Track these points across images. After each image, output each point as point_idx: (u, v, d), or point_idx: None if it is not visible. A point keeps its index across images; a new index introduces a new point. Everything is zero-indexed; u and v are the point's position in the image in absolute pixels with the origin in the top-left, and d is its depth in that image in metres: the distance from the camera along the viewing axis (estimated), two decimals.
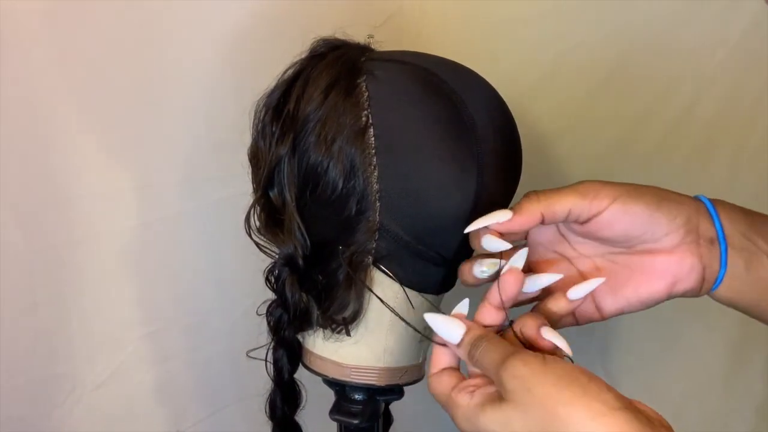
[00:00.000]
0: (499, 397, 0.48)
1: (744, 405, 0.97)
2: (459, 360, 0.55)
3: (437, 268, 0.61)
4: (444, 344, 0.55)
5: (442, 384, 0.53)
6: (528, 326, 0.53)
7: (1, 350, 0.78)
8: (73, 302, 0.81)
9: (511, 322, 0.54)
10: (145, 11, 0.76)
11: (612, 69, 0.87)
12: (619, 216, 0.55)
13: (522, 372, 0.46)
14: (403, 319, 0.60)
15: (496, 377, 0.48)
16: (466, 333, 0.53)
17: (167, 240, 0.84)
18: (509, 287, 0.53)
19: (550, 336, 0.52)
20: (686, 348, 0.97)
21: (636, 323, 0.99)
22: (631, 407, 0.44)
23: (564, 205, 0.55)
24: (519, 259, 0.54)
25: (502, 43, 0.86)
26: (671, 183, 0.59)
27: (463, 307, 0.55)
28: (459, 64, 0.62)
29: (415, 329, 0.60)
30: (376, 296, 0.60)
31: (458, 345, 0.53)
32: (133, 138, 0.79)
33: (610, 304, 0.58)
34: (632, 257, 0.57)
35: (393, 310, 0.60)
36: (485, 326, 0.54)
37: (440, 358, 0.55)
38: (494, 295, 0.54)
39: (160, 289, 0.85)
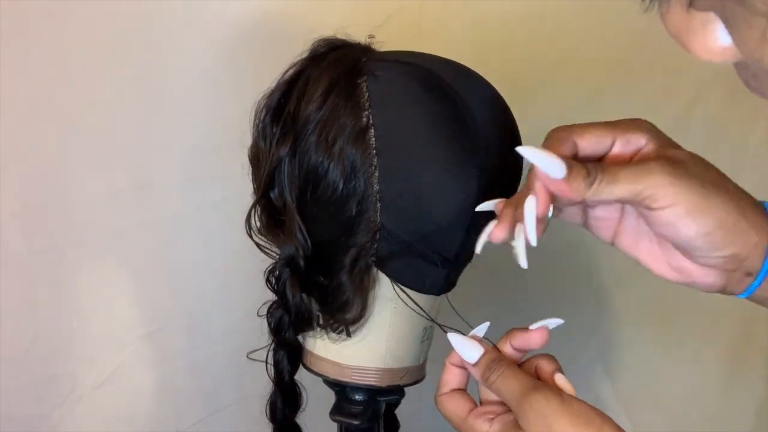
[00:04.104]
0: (518, 427, 0.49)
1: (744, 405, 0.97)
2: (467, 382, 0.56)
3: (438, 268, 0.60)
4: (459, 365, 0.55)
5: (457, 406, 0.54)
6: (543, 368, 0.53)
7: (1, 350, 0.78)
8: (73, 302, 0.81)
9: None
10: (146, 11, 0.75)
11: (612, 69, 0.87)
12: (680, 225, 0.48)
13: (544, 409, 0.48)
14: (432, 320, 0.61)
15: (516, 407, 0.49)
16: (483, 355, 0.53)
17: (167, 240, 0.84)
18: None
19: (562, 383, 0.52)
20: (686, 348, 0.97)
21: (637, 323, 0.99)
22: None
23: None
24: (480, 330, 0.55)
25: (502, 42, 0.86)
26: None
27: (480, 330, 0.55)
28: (460, 64, 0.62)
29: (440, 326, 0.60)
30: (402, 291, 0.60)
31: (474, 364, 0.54)
32: (133, 138, 0.79)
33: (623, 242, 0.53)
34: (663, 244, 0.52)
35: (430, 317, 0.61)
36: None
37: (451, 378, 0.55)
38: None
39: (160, 289, 0.85)
